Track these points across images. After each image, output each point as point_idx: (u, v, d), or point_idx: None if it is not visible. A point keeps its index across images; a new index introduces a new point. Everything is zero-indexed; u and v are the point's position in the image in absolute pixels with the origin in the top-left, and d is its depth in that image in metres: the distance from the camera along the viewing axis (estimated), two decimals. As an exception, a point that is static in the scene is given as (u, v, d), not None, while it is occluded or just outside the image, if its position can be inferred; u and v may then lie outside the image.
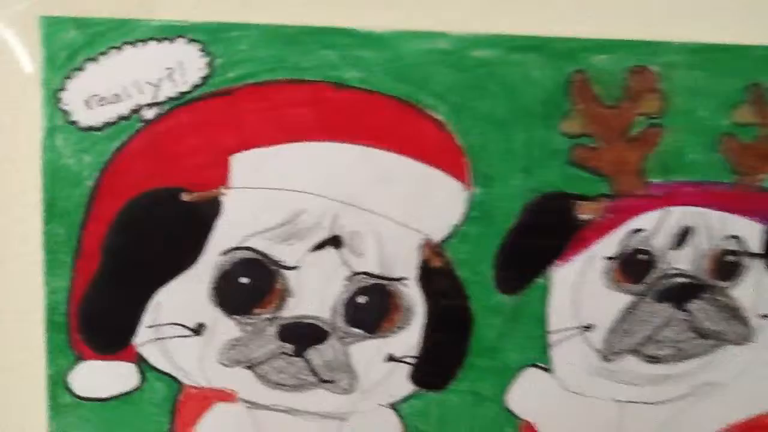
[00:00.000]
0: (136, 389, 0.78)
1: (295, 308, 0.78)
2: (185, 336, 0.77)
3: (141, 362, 0.76)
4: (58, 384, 0.76)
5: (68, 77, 0.71)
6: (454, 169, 0.78)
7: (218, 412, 0.80)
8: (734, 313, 0.86)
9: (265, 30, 0.71)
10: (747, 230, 0.84)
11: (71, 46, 0.71)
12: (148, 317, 0.77)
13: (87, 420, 0.78)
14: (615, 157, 0.80)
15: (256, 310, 0.77)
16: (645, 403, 0.88)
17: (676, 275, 0.84)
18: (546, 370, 0.85)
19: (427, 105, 0.75)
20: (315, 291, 0.78)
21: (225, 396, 0.80)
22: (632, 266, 0.84)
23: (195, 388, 0.79)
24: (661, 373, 0.87)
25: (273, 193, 0.76)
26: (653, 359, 0.86)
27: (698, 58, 0.78)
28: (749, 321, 0.86)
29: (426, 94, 0.75)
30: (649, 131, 0.80)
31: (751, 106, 0.80)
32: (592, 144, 0.79)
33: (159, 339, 0.77)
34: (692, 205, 0.83)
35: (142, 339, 0.77)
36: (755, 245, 0.84)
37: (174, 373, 0.78)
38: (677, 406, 0.88)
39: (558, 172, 0.79)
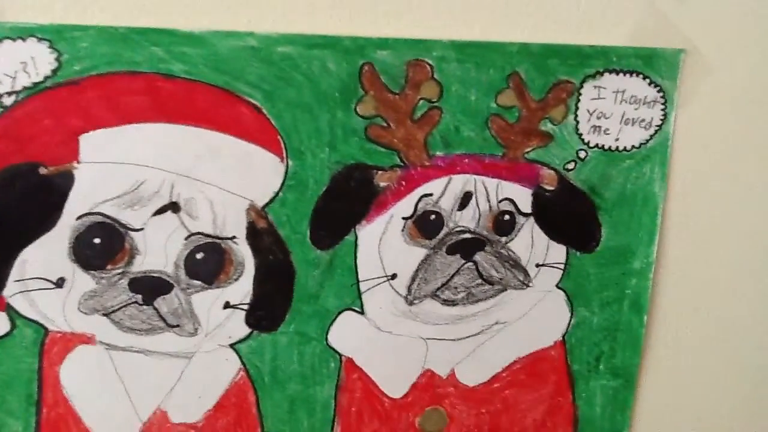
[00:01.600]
0: (7, 334, 0.77)
1: (143, 264, 0.79)
2: (48, 288, 0.78)
3: (11, 311, 0.76)
4: None
5: None
6: (271, 145, 0.79)
7: (80, 353, 0.81)
8: (514, 262, 0.89)
9: (101, 30, 0.73)
10: (518, 194, 0.87)
11: (-64, 43, 0.67)
12: (15, 272, 0.77)
13: None
14: (403, 135, 0.83)
15: (109, 266, 0.78)
16: (446, 339, 0.91)
17: (462, 232, 0.87)
18: (360, 313, 0.87)
19: (244, 92, 0.77)
20: (159, 249, 0.79)
21: (85, 339, 0.80)
22: (425, 225, 0.86)
23: (59, 332, 0.80)
24: (457, 314, 0.90)
25: (117, 167, 0.76)
26: (449, 302, 0.89)
27: (465, 53, 0.81)
28: (527, 269, 0.90)
29: (242, 83, 0.77)
30: (430, 113, 0.83)
31: (512, 92, 0.84)
32: (384, 124, 0.82)
33: (25, 291, 0.78)
34: (471, 173, 0.85)
35: (11, 291, 0.76)
36: (526, 206, 0.88)
37: (40, 320, 0.77)
38: (473, 342, 0.91)
39: (358, 147, 0.81)
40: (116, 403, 0.83)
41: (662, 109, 0.87)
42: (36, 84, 0.73)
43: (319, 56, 0.77)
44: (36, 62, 0.72)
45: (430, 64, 0.80)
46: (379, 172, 0.82)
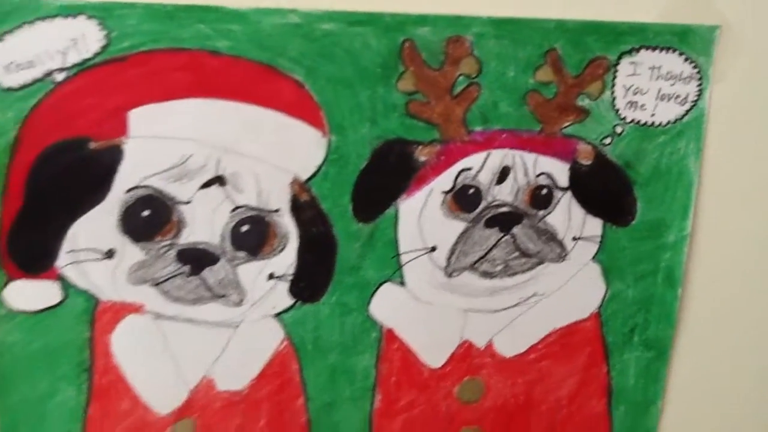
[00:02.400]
0: (60, 303, 0.77)
1: (190, 236, 0.78)
2: (98, 260, 0.78)
3: (63, 281, 0.75)
4: None
5: None
6: (313, 120, 0.77)
7: (129, 322, 0.80)
8: (551, 236, 0.87)
9: (148, 8, 0.72)
10: (555, 168, 0.86)
11: (-9, 21, 0.67)
12: (66, 244, 0.76)
13: (21, 329, 0.78)
14: (443, 110, 0.81)
15: (157, 238, 0.78)
16: (484, 311, 0.90)
17: (500, 205, 0.85)
18: (400, 284, 0.86)
19: (286, 68, 0.76)
20: (205, 221, 0.78)
21: (135, 309, 0.80)
22: (463, 199, 0.85)
23: (109, 302, 0.79)
24: (495, 286, 0.89)
25: (165, 141, 0.75)
26: (487, 275, 0.88)
27: (503, 29, 0.79)
28: (564, 242, 0.88)
29: (284, 59, 0.76)
30: (468, 89, 0.81)
31: (549, 68, 0.82)
32: (423, 99, 0.80)
33: (77, 262, 0.77)
34: (509, 148, 0.84)
35: (63, 262, 0.75)
36: (563, 180, 0.86)
37: (91, 290, 0.76)
38: (510, 314, 0.90)
39: (398, 122, 0.80)
40: (165, 370, 0.83)
41: (698, 85, 0.85)
42: (85, 60, 0.72)
43: (360, 33, 0.76)
44: (86, 39, 0.72)
45: (469, 41, 0.79)
46: (419, 146, 0.81)
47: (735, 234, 0.93)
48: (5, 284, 0.77)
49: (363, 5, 0.76)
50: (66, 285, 0.76)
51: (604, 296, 0.92)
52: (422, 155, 0.82)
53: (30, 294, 0.76)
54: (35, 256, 0.76)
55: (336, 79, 0.77)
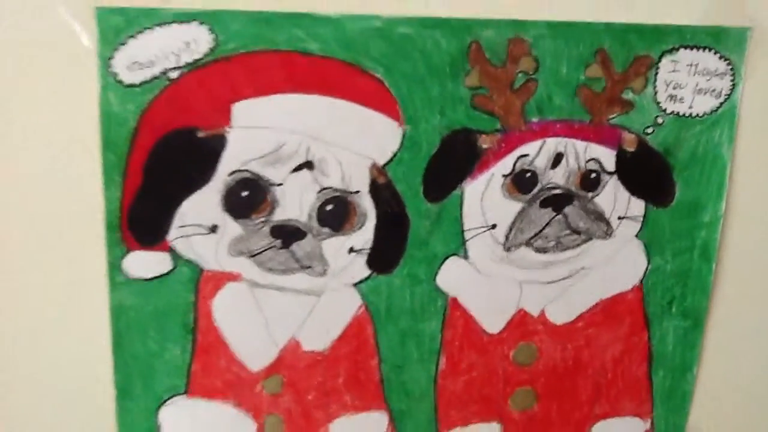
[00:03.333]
0: (170, 272, 0.81)
1: (282, 214, 0.83)
2: (203, 234, 0.81)
3: (173, 253, 0.80)
4: (114, 268, 0.80)
5: (116, 49, 0.76)
6: (391, 112, 0.81)
7: (228, 289, 0.84)
8: (598, 215, 0.92)
9: (250, 15, 0.78)
10: (603, 154, 0.90)
11: (117, 27, 0.76)
12: (177, 220, 0.79)
13: (136, 294, 0.83)
14: (504, 103, 0.86)
15: (254, 216, 0.82)
16: (538, 283, 0.94)
17: (553, 188, 0.90)
18: (464, 258, 0.91)
19: (368, 67, 0.81)
20: (295, 201, 0.83)
21: (233, 277, 0.83)
22: (521, 182, 0.90)
23: (211, 271, 0.83)
24: (548, 260, 0.93)
25: (262, 131, 0.79)
26: (541, 250, 0.92)
27: (558, 31, 0.84)
28: (610, 221, 0.93)
29: (367, 59, 0.81)
30: (527, 84, 0.86)
31: (598, 65, 0.87)
32: (487, 94, 0.86)
33: (185, 236, 0.80)
34: (562, 136, 0.88)
35: (173, 236, 0.80)
36: (610, 165, 0.91)
37: (196, 261, 0.81)
38: (561, 285, 0.95)
39: (464, 113, 0.85)
40: (257, 332, 0.88)
41: (731, 80, 0.90)
42: (196, 60, 0.77)
43: (432, 35, 0.81)
44: (197, 42, 0.77)
45: (527, 41, 0.83)
46: (482, 135, 0.86)
47: (765, 213, 0.97)
48: (124, 255, 0.83)
49: (435, 11, 0.81)
50: (175, 256, 0.80)
51: (646, 270, 0.96)
52: (485, 143, 0.87)
53: (145, 264, 0.80)
54: (151, 230, 0.79)
55: (411, 76, 0.81)
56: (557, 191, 0.90)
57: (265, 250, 0.83)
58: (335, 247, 0.83)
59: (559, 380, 0.94)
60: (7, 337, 0.86)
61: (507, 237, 0.91)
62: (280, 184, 0.80)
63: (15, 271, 0.83)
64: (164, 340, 0.87)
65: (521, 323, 0.95)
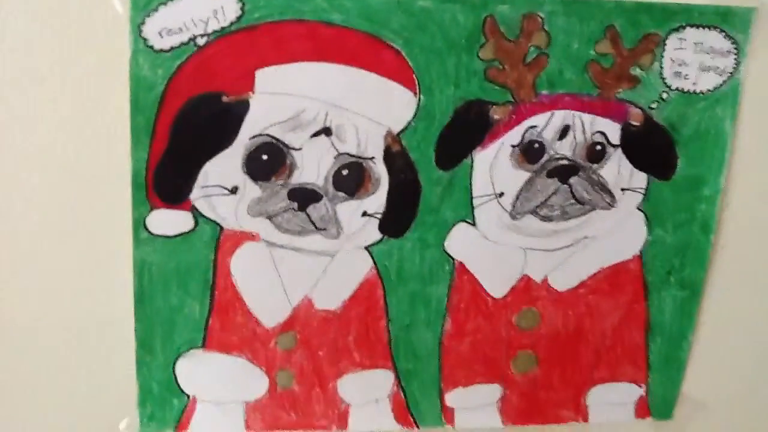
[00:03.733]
0: (192, 230, 0.84)
1: (300, 177, 0.84)
2: (224, 195, 0.83)
3: (195, 212, 0.83)
4: (139, 225, 0.82)
5: (147, 16, 0.76)
6: (407, 82, 0.82)
7: (247, 248, 0.86)
8: (602, 186, 0.94)
9: None
10: (609, 128, 0.93)
11: (148, -6, 0.76)
12: (199, 181, 0.82)
13: (159, 251, 0.84)
14: (516, 76, 0.88)
15: (273, 178, 0.83)
16: (542, 250, 0.97)
17: (560, 159, 0.92)
18: (472, 224, 0.94)
19: (388, 38, 0.81)
20: (313, 165, 0.84)
21: (251, 237, 0.86)
22: (529, 152, 0.92)
23: (231, 230, 0.85)
24: (552, 229, 0.95)
25: (283, 97, 0.81)
26: (546, 218, 0.95)
27: (570, 8, 0.86)
28: (613, 192, 0.95)
29: (386, 31, 0.81)
30: (539, 58, 0.89)
31: (608, 42, 0.89)
32: (500, 66, 0.88)
33: (207, 196, 0.83)
34: (570, 109, 0.91)
35: (196, 195, 0.82)
36: (615, 138, 0.94)
37: (217, 220, 0.84)
38: (565, 253, 0.98)
39: (477, 85, 0.85)
40: (273, 290, 0.90)
41: (735, 59, 0.91)
42: (223, 28, 0.80)
43: (450, 9, 0.83)
44: (225, 10, 0.79)
45: (541, 17, 0.86)
46: (494, 106, 0.88)
47: (764, 188, 0.99)
48: (149, 212, 0.86)
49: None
50: (197, 215, 0.83)
51: (646, 240, 0.97)
52: (496, 114, 0.89)
53: (168, 221, 0.83)
54: (174, 189, 0.82)
55: (428, 48, 0.82)
56: (563, 162, 0.89)
57: (283, 211, 0.85)
58: (349, 211, 0.85)
59: (559, 345, 0.96)
60: (33, 288, 0.90)
61: (514, 205, 0.93)
62: (299, 149, 0.82)
63: (46, 224, 0.87)
64: (185, 295, 0.89)
65: (525, 289, 0.95)
